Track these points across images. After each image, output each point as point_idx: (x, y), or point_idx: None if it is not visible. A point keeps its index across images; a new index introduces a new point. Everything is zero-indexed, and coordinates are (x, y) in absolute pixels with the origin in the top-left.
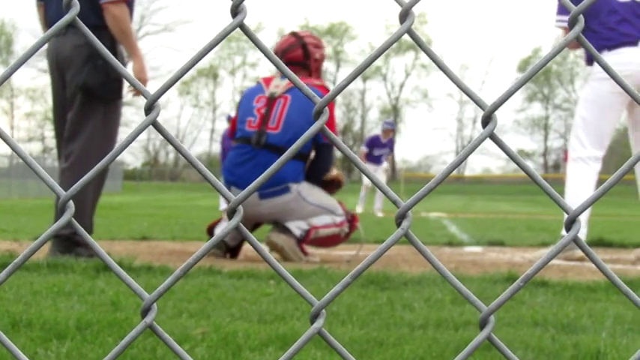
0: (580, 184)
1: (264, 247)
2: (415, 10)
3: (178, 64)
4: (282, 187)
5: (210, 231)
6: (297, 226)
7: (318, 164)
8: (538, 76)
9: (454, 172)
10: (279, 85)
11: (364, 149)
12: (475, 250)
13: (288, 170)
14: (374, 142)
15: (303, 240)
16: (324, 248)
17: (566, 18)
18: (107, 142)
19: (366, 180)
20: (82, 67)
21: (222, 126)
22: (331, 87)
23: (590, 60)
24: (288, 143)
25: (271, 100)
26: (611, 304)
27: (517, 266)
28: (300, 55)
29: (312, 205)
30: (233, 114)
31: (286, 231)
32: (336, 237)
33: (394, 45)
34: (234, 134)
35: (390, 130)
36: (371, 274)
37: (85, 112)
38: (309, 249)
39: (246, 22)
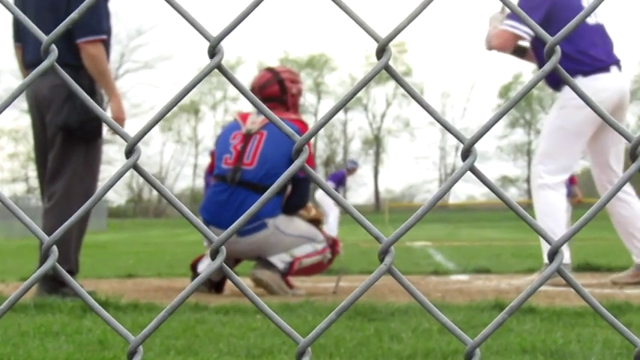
0: (554, 211)
1: (250, 284)
2: (394, 39)
3: (160, 100)
4: (258, 223)
5: (194, 267)
6: (280, 260)
7: (295, 198)
8: (519, 102)
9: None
10: (255, 122)
11: (331, 185)
12: (461, 278)
13: (264, 206)
14: (341, 180)
15: (288, 273)
16: (309, 276)
17: (517, 24)
18: (89, 182)
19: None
20: (62, 107)
21: (205, 161)
22: (312, 120)
23: (557, 85)
24: (262, 179)
25: (247, 137)
26: (599, 329)
27: (504, 293)
28: (276, 90)
29: (292, 237)
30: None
31: (270, 266)
32: (320, 264)
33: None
34: (213, 171)
35: (355, 169)
36: (357, 305)
37: (66, 152)
38: (295, 281)
39: (225, 57)
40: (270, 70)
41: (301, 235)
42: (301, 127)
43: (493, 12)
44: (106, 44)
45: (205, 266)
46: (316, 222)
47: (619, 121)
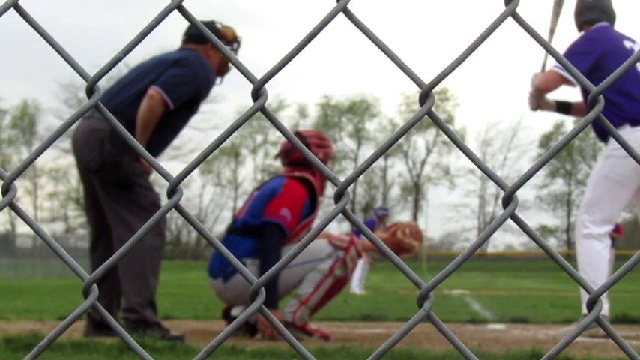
0: (596, 262)
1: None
2: (437, 86)
3: (200, 143)
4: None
5: (227, 314)
6: (287, 312)
7: (262, 242)
8: (560, 152)
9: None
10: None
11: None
12: (498, 327)
13: (241, 247)
14: (372, 229)
15: (293, 321)
16: (334, 297)
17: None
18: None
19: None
20: (95, 150)
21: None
22: (352, 166)
23: (604, 136)
24: (242, 224)
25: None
26: None
27: (541, 343)
28: (301, 156)
29: (287, 269)
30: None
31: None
32: (336, 286)
33: None
34: None
35: (386, 215)
36: (394, 352)
37: (113, 198)
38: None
39: (267, 100)
40: (297, 134)
41: (297, 262)
42: (319, 188)
43: (535, 72)
44: (167, 115)
45: (240, 310)
46: (404, 248)
47: None
